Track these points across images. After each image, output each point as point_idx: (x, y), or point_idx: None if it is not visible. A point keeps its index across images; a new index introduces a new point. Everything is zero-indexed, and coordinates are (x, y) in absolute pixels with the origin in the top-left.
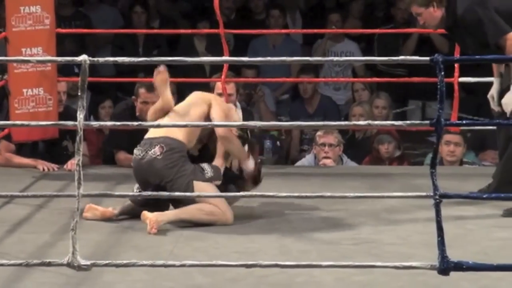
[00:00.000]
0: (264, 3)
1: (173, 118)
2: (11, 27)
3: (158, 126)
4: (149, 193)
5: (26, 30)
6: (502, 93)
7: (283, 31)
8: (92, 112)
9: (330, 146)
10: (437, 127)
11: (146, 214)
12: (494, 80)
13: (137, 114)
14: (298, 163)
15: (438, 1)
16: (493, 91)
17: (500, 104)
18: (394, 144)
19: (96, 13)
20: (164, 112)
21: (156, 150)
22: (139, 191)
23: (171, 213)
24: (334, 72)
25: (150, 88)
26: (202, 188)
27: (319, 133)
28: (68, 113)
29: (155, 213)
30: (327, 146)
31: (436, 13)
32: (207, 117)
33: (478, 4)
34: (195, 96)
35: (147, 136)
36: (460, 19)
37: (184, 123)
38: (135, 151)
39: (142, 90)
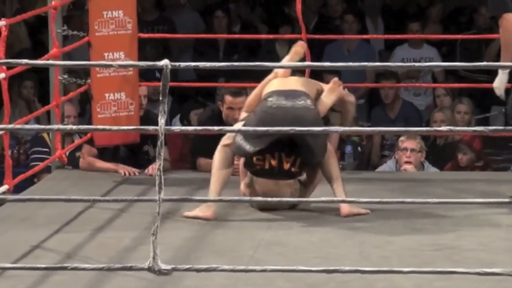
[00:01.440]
0: (343, 8)
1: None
2: (94, 31)
3: (239, 131)
4: (259, 198)
5: (108, 34)
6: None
7: (357, 36)
8: (185, 118)
9: (412, 151)
10: None
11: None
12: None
13: (224, 119)
14: (379, 169)
15: None
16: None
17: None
18: (470, 157)
19: (178, 17)
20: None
21: (308, 101)
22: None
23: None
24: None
25: (236, 94)
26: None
27: (402, 138)
28: (148, 118)
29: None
30: (409, 151)
31: None
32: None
33: None
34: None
35: (280, 88)
36: None
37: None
38: (272, 99)
39: (228, 96)
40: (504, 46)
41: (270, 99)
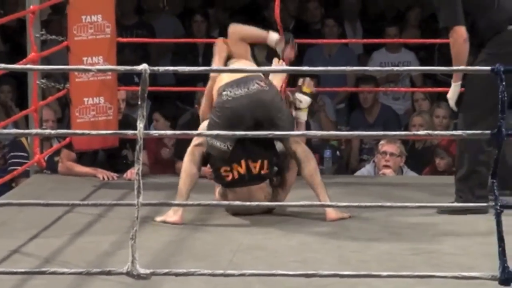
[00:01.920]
0: (321, 13)
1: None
2: (73, 36)
3: (217, 134)
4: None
5: (87, 39)
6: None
7: (335, 41)
8: (152, 121)
9: (392, 155)
10: (498, 137)
11: (331, 213)
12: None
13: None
14: (358, 173)
15: None
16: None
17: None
18: (447, 161)
19: (157, 22)
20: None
21: (261, 83)
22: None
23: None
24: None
25: None
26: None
27: (382, 142)
28: (127, 122)
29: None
30: (388, 155)
31: None
32: None
33: None
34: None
35: (231, 79)
36: None
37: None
38: (226, 92)
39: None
40: (454, 59)
41: (224, 93)
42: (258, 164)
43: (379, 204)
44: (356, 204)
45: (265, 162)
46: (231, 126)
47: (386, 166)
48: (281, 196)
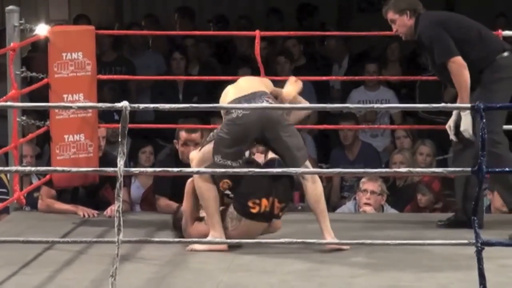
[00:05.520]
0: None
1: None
2: (53, 73)
3: (202, 172)
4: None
5: (68, 76)
6: (458, 123)
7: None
8: (132, 158)
9: (373, 193)
10: (478, 174)
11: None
12: (453, 112)
13: (180, 157)
14: (339, 210)
15: (412, 10)
16: (450, 122)
17: (456, 133)
18: (429, 197)
19: (139, 58)
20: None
21: (269, 100)
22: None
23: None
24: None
25: (191, 130)
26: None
27: (363, 179)
28: (107, 159)
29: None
30: (369, 193)
31: (408, 22)
32: None
33: (435, 24)
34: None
35: (240, 94)
36: (418, 35)
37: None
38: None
39: (182, 133)
40: (459, 89)
41: (232, 110)
42: (281, 206)
43: (361, 241)
44: (337, 241)
45: (286, 206)
46: (238, 141)
47: (367, 204)
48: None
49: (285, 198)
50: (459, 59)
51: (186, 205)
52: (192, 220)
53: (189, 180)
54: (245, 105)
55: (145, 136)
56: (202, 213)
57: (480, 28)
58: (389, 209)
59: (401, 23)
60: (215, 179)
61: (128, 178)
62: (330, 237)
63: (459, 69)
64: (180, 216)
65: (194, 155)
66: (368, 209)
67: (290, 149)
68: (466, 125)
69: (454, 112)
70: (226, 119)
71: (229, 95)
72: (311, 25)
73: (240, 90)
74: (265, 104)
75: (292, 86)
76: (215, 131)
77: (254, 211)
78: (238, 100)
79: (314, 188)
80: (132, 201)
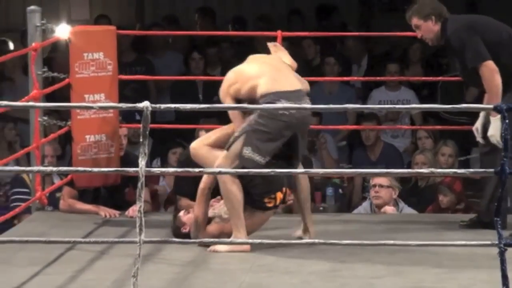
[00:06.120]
0: (316, 50)
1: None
2: (75, 73)
3: (217, 173)
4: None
5: (89, 76)
6: (485, 126)
7: (336, 78)
8: (162, 158)
9: (381, 187)
10: (501, 175)
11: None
12: (480, 114)
13: None
14: (355, 211)
15: (437, 15)
16: (478, 124)
17: (483, 137)
18: (451, 198)
19: (160, 58)
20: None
21: (308, 101)
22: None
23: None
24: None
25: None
26: None
27: None
28: (128, 159)
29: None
30: (377, 186)
31: (434, 27)
32: None
33: (466, 28)
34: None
35: (277, 88)
36: (447, 40)
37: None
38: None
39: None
40: (489, 93)
41: (278, 103)
42: (290, 192)
43: (382, 242)
44: (358, 242)
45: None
46: (275, 137)
47: (376, 197)
48: None
49: (293, 184)
50: (491, 63)
51: (198, 211)
52: (205, 226)
53: (201, 187)
54: (279, 105)
55: (165, 137)
56: (210, 213)
57: (509, 30)
58: (406, 208)
59: (426, 28)
60: (254, 191)
61: (156, 178)
62: (313, 230)
63: (491, 73)
64: (180, 224)
65: (198, 145)
66: (378, 202)
67: (302, 148)
68: (494, 130)
69: (481, 115)
70: (266, 112)
71: (261, 86)
72: (330, 25)
73: (274, 83)
74: (307, 105)
75: (284, 53)
76: (243, 126)
77: (270, 205)
78: (285, 95)
79: (306, 183)
80: (159, 202)
